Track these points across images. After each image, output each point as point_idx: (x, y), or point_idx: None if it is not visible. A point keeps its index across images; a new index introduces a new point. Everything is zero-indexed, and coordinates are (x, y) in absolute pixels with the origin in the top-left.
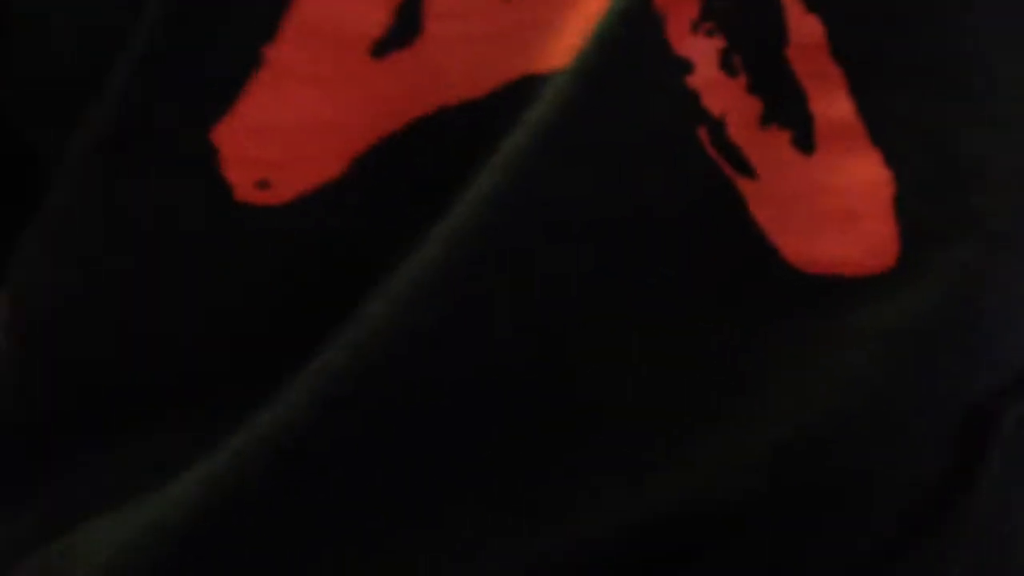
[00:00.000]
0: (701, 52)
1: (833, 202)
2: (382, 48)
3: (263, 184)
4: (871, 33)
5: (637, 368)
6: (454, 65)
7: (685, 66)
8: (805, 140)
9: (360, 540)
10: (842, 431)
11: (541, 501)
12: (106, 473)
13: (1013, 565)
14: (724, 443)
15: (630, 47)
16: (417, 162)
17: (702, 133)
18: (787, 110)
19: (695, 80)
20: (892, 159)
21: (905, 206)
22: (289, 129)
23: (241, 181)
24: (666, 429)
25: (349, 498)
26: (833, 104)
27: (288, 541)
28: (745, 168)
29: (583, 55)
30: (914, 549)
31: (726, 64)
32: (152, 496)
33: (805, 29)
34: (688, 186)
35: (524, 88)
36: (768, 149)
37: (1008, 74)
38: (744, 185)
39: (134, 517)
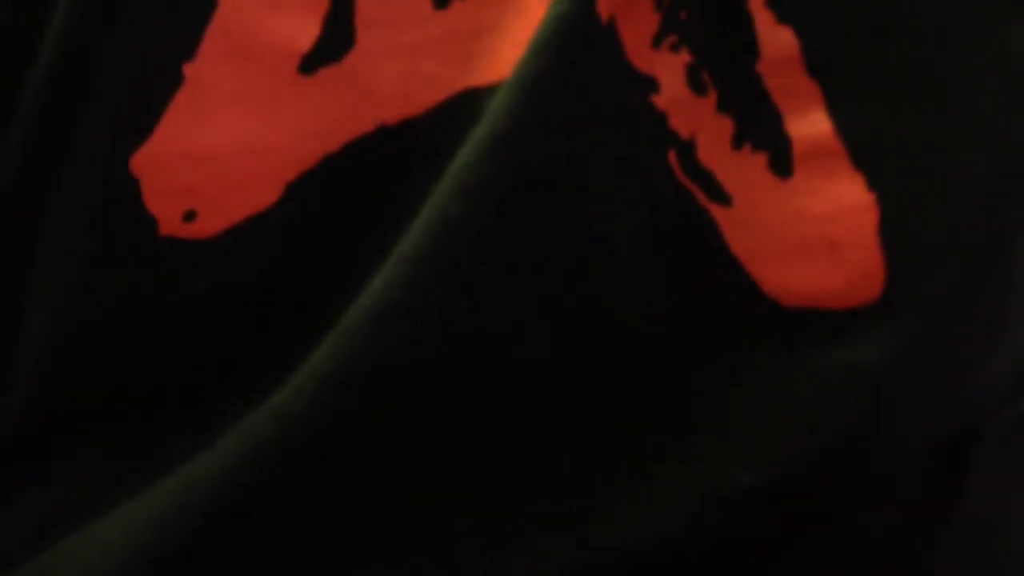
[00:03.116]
0: (666, 68)
1: (813, 230)
2: (311, 63)
3: (190, 216)
4: (847, 45)
5: (598, 402)
6: (388, 79)
7: (648, 84)
8: (782, 163)
9: None
10: (809, 475)
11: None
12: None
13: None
14: (684, 483)
15: (570, 56)
16: (356, 187)
17: (671, 157)
18: (761, 130)
19: (661, 99)
20: (875, 181)
21: (890, 233)
22: (215, 155)
23: (165, 214)
24: (624, 466)
25: (278, 553)
26: (810, 122)
27: None
28: (718, 194)
29: (520, 66)
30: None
31: (694, 81)
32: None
33: (777, 42)
34: (656, 214)
35: (466, 103)
36: (742, 173)
37: (991, 84)
38: (718, 212)
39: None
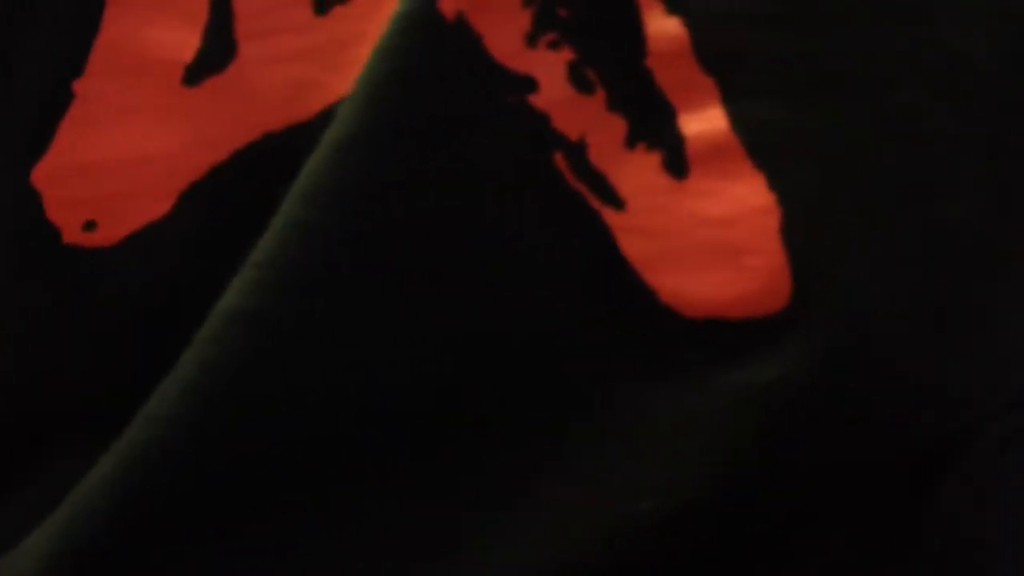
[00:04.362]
0: (545, 68)
1: (712, 234)
2: (194, 74)
3: (90, 225)
4: (742, 36)
5: (474, 420)
6: (272, 87)
7: (524, 84)
8: (676, 162)
9: None
10: (714, 501)
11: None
12: None
13: None
14: (579, 507)
15: (412, 56)
16: (244, 193)
17: (558, 159)
18: (655, 128)
19: (540, 100)
20: (776, 181)
21: (794, 236)
22: (106, 166)
23: (67, 224)
24: (507, 486)
25: (164, 558)
26: (705, 119)
27: None
28: (611, 197)
29: (365, 68)
30: None
31: (577, 80)
32: None
33: (665, 34)
34: (542, 218)
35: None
36: (636, 174)
37: (904, 77)
38: (611, 217)
39: None
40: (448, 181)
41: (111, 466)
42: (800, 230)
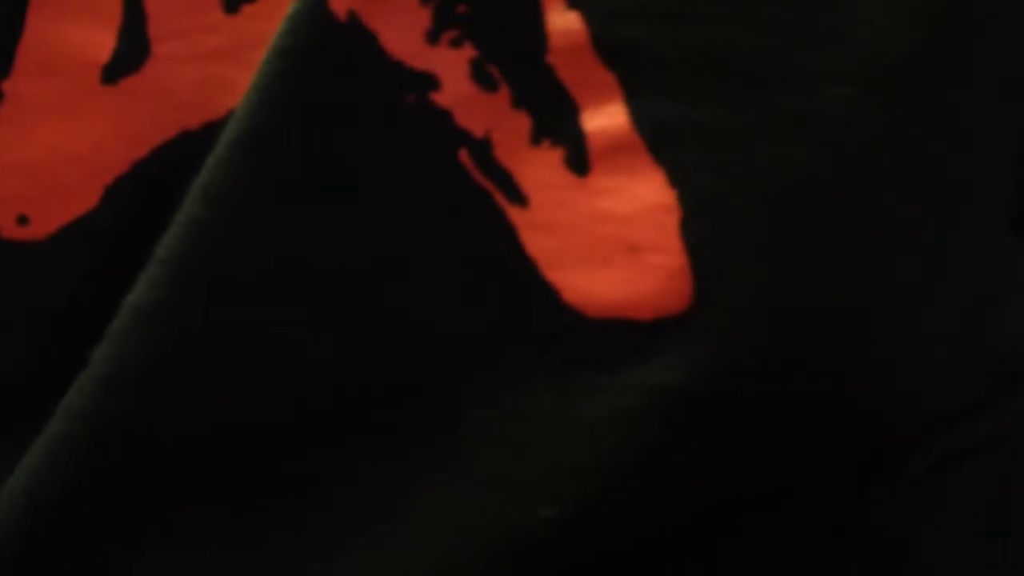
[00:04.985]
0: (447, 65)
1: (613, 231)
2: (112, 73)
3: (22, 220)
4: (643, 32)
5: (376, 415)
6: (186, 86)
7: (425, 82)
8: (577, 159)
9: None
10: (615, 510)
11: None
12: None
13: None
14: (477, 511)
15: (303, 55)
16: (164, 189)
17: (463, 157)
18: (558, 125)
19: (443, 97)
20: (677, 178)
21: (695, 234)
22: (39, 164)
23: (3, 219)
24: (407, 485)
25: (87, 553)
26: (607, 115)
27: None
28: (515, 194)
29: (259, 67)
30: None
31: (480, 77)
32: None
33: (565, 30)
34: (448, 216)
35: None
36: (539, 171)
37: (816, 73)
38: (515, 214)
39: None
40: (340, 179)
41: (32, 460)
42: (701, 228)
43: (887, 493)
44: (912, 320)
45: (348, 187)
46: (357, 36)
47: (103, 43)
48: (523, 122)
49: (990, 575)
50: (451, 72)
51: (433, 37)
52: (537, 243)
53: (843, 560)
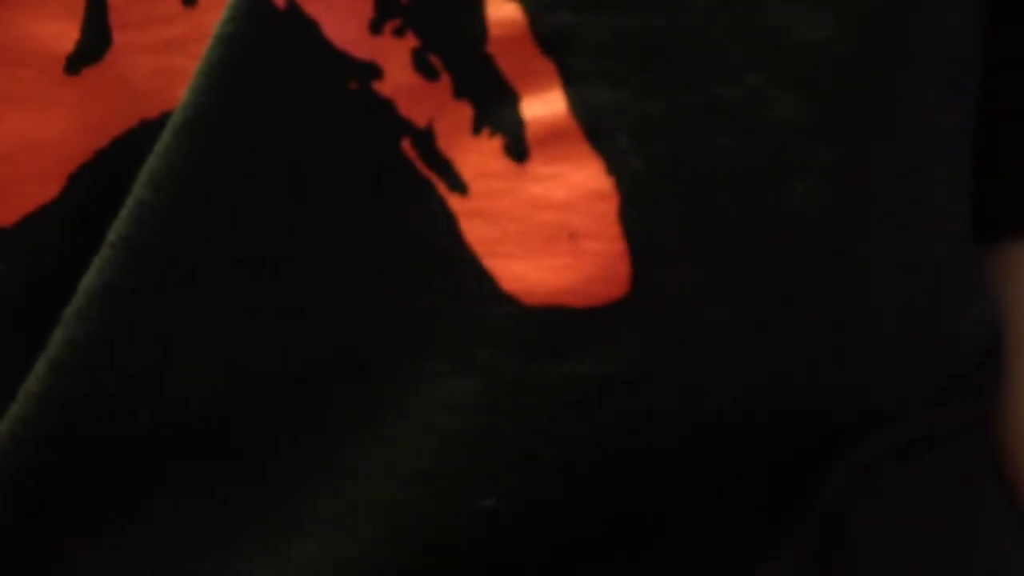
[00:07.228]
0: (389, 55)
1: (552, 219)
2: (74, 64)
3: None
4: (579, 19)
5: (309, 402)
6: (146, 76)
7: (368, 71)
8: (516, 147)
9: None
10: (558, 500)
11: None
12: None
13: None
14: (416, 501)
15: (243, 44)
16: (123, 177)
17: (406, 146)
18: (498, 114)
19: (385, 87)
20: (614, 165)
21: (633, 221)
22: (3, 153)
23: None
24: (340, 475)
25: (50, 536)
26: (545, 102)
27: None
28: (456, 183)
29: (204, 56)
30: None
31: (422, 66)
32: None
33: (504, 19)
34: (390, 205)
35: None
36: (479, 159)
37: (734, 56)
38: (455, 203)
39: None
40: (282, 166)
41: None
42: (638, 214)
43: (827, 479)
44: (858, 314)
45: (289, 174)
46: (297, 24)
47: (67, 34)
48: (465, 111)
49: (934, 563)
50: (394, 61)
51: (376, 27)
52: (476, 231)
53: (778, 546)
